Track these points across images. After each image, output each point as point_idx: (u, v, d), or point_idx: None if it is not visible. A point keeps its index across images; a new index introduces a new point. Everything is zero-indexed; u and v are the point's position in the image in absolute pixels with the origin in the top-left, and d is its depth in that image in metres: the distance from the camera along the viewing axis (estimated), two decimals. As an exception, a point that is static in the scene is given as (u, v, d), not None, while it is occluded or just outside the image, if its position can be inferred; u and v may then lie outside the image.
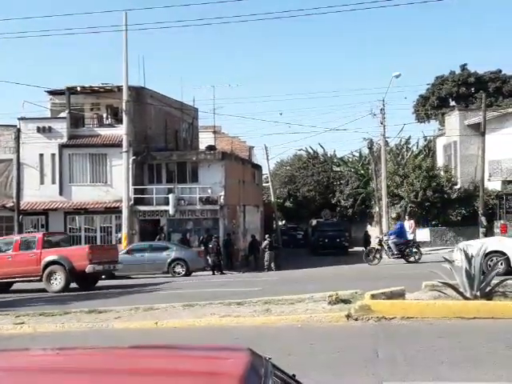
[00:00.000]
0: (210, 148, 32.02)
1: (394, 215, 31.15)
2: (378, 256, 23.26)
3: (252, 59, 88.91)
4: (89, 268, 17.89)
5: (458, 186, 30.82)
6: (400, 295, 9.82)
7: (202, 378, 2.15)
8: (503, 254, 15.44)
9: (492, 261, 14.91)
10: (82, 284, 18.61)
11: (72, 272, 18.04)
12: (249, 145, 48.58)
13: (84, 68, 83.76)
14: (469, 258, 9.86)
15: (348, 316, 9.09)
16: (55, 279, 18.10)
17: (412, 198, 29.98)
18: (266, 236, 28.76)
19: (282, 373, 2.55)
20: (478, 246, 17.20)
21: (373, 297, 9.52)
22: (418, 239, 25.88)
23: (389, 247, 23.16)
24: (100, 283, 19.98)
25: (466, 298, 9.46)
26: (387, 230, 28.87)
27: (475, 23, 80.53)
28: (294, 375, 2.70)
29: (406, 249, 23.08)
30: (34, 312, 11.69)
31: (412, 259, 22.81)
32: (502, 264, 14.79)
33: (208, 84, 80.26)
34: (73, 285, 18.71)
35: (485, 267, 15.57)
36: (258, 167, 40.13)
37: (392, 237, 23.41)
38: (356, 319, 9.01)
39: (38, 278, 18.27)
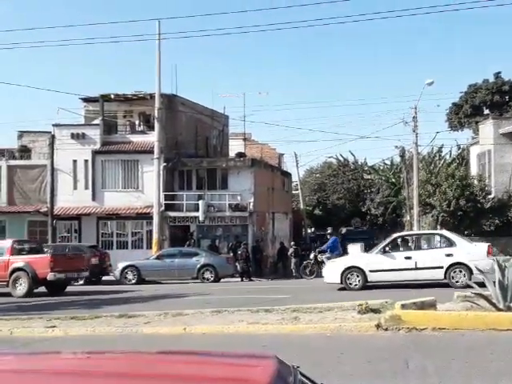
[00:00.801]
0: (240, 155, 32.14)
1: (424, 224, 30.71)
2: (313, 270, 23.12)
3: (285, 66, 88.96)
4: (50, 276, 18.53)
5: (491, 196, 30.22)
6: (431, 305, 9.66)
7: (231, 384, 2.15)
8: (360, 269, 16.47)
9: (352, 276, 16.36)
10: (51, 290, 19.24)
11: (35, 279, 18.71)
12: (279, 152, 48.58)
13: (118, 75, 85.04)
14: (502, 269, 9.66)
15: (378, 326, 8.98)
16: (20, 285, 18.78)
17: (444, 208, 29.51)
18: (292, 243, 28.79)
19: (311, 382, 2.53)
20: (339, 262, 17.34)
21: (403, 307, 9.38)
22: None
23: (322, 262, 22.56)
24: (127, 288, 20.14)
25: (499, 310, 9.27)
26: None
27: (507, 31, 79.15)
28: (322, 385, 2.67)
29: None
30: (66, 316, 11.86)
31: None
32: (358, 277, 16.42)
33: (240, 91, 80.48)
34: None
35: (344, 282, 16.37)
36: (287, 174, 40.10)
37: (326, 252, 22.93)
38: (386, 329, 8.89)
39: (5, 283, 18.97)
